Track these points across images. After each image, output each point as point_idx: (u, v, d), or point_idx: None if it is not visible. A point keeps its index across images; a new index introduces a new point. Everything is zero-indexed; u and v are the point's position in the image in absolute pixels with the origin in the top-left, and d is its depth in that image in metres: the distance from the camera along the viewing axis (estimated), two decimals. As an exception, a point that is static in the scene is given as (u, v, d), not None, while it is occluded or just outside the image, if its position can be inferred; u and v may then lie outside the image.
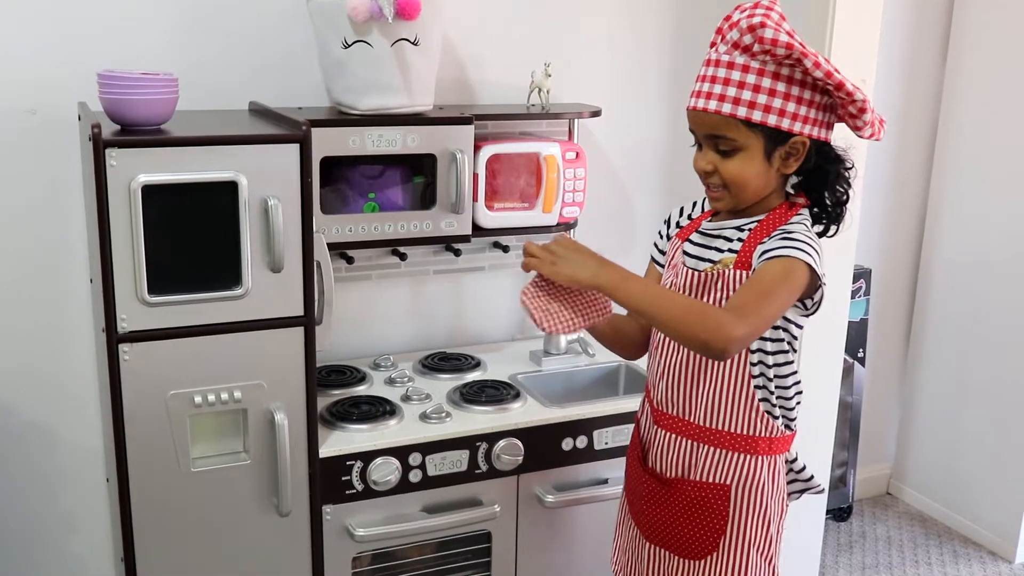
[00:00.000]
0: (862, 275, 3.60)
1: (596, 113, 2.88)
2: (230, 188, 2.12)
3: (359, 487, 2.40)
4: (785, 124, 1.77)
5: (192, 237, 2.14)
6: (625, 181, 3.22)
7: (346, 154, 2.51)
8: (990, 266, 3.60)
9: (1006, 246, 3.54)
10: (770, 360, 1.87)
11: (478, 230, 2.74)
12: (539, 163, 2.77)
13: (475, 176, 2.67)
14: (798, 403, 1.95)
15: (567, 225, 2.89)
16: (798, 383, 1.93)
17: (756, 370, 1.87)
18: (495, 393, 2.65)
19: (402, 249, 2.80)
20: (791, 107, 1.76)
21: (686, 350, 1.89)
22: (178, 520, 2.26)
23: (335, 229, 2.54)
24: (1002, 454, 3.60)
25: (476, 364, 2.87)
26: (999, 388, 3.60)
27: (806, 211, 1.88)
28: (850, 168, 1.89)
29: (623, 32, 3.10)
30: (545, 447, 2.54)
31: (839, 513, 3.78)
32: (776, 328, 1.85)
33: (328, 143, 2.45)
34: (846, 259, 3.18)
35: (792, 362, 1.90)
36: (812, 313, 1.88)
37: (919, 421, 3.93)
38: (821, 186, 1.89)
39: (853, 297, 3.44)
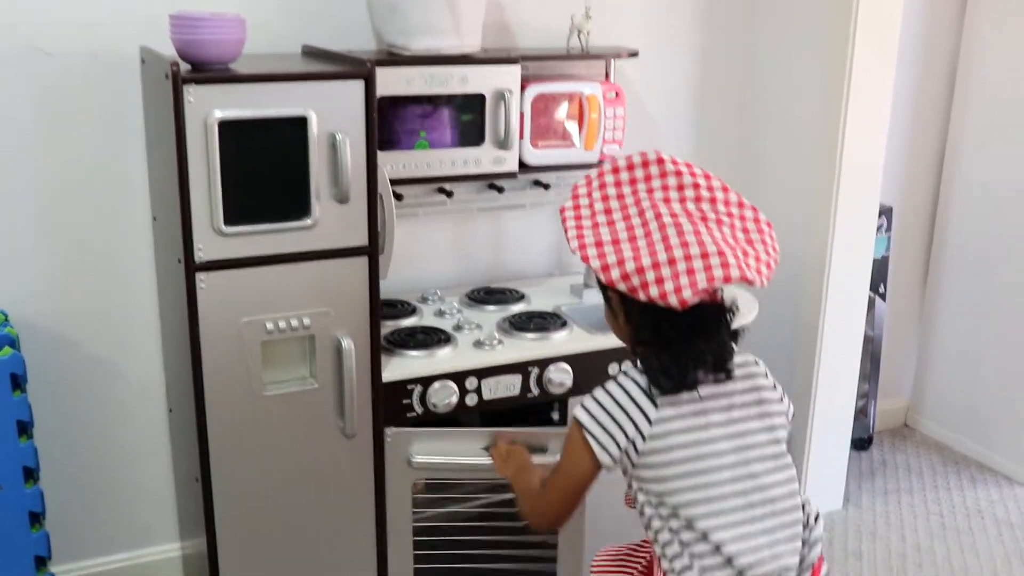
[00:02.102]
0: (883, 212, 3.70)
1: (634, 54, 2.98)
2: (300, 124, 2.22)
3: (419, 410, 2.52)
4: (594, 265, 1.67)
5: (263, 171, 2.24)
6: (658, 122, 3.32)
7: (400, 94, 2.61)
8: (1008, 202, 3.71)
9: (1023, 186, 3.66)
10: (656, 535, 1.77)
11: (523, 167, 2.84)
12: (581, 102, 2.87)
13: (520, 115, 2.77)
14: None
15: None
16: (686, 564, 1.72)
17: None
18: (542, 322, 2.76)
19: (448, 187, 2.91)
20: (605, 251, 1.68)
21: None
22: (250, 442, 2.39)
23: (388, 167, 2.63)
24: (1018, 384, 3.73)
25: (520, 297, 2.98)
26: (1015, 321, 3.73)
27: (634, 370, 1.75)
28: (680, 321, 1.67)
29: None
30: (592, 371, 2.66)
31: (860, 443, 3.91)
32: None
33: (383, 84, 2.54)
34: (871, 197, 3.29)
35: (673, 532, 1.72)
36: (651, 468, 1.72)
37: (937, 354, 4.06)
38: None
39: (875, 234, 3.55)
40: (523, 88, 2.77)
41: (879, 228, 3.66)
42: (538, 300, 2.98)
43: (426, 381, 2.52)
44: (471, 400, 2.57)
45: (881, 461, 3.90)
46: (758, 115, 3.42)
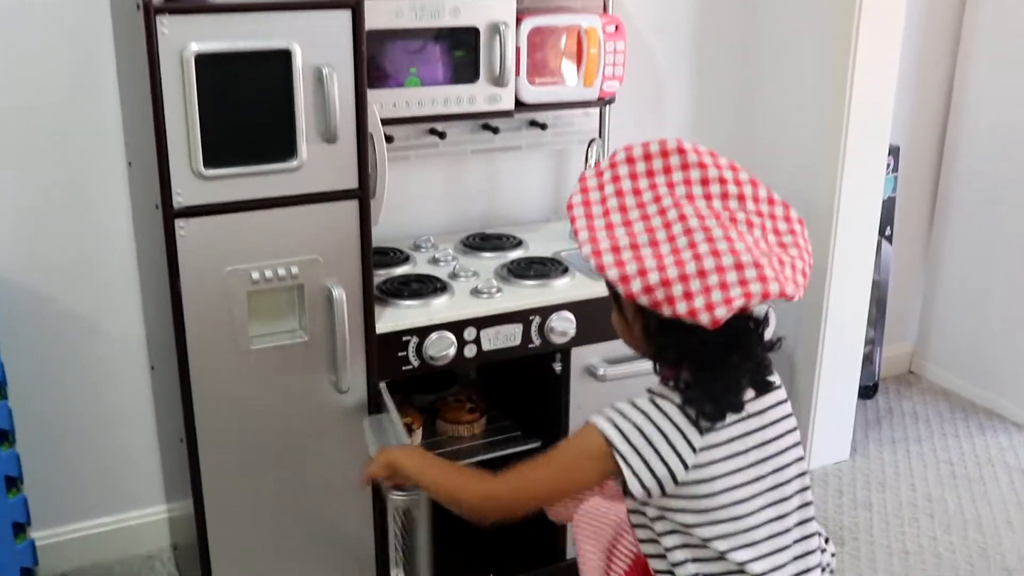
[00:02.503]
0: (891, 152, 3.57)
1: (633, -16, 2.82)
2: (284, 57, 2.06)
3: (415, 363, 2.39)
4: (611, 275, 1.46)
5: (245, 109, 2.08)
6: (656, 57, 3.17)
7: (389, 27, 2.45)
8: (1015, 143, 3.58)
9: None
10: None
11: (519, 106, 2.69)
12: (580, 36, 2.71)
13: (516, 50, 2.61)
14: None
15: (607, 100, 2.85)
16: None
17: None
18: (542, 268, 2.63)
19: (441, 128, 2.75)
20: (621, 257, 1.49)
21: None
22: (236, 399, 2.25)
23: (377, 106, 2.47)
24: (1026, 328, 3.64)
25: (518, 243, 2.84)
26: (1021, 262, 3.61)
27: (674, 392, 1.53)
28: (709, 339, 1.46)
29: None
30: (596, 319, 2.52)
31: (865, 391, 3.81)
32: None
33: (370, 18, 2.36)
34: (880, 138, 3.16)
35: (699, 562, 1.56)
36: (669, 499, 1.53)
37: (943, 299, 3.95)
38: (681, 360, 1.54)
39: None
40: (518, 22, 2.61)
41: (887, 168, 3.53)
42: (536, 246, 2.84)
43: (422, 332, 2.38)
44: (470, 351, 2.44)
45: (887, 409, 3.80)
46: (763, 54, 3.27)
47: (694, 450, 1.49)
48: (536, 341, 2.50)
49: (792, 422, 1.62)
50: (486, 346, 2.45)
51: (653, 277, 1.41)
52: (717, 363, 1.49)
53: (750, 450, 1.54)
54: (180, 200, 2.06)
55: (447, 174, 2.96)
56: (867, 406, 3.78)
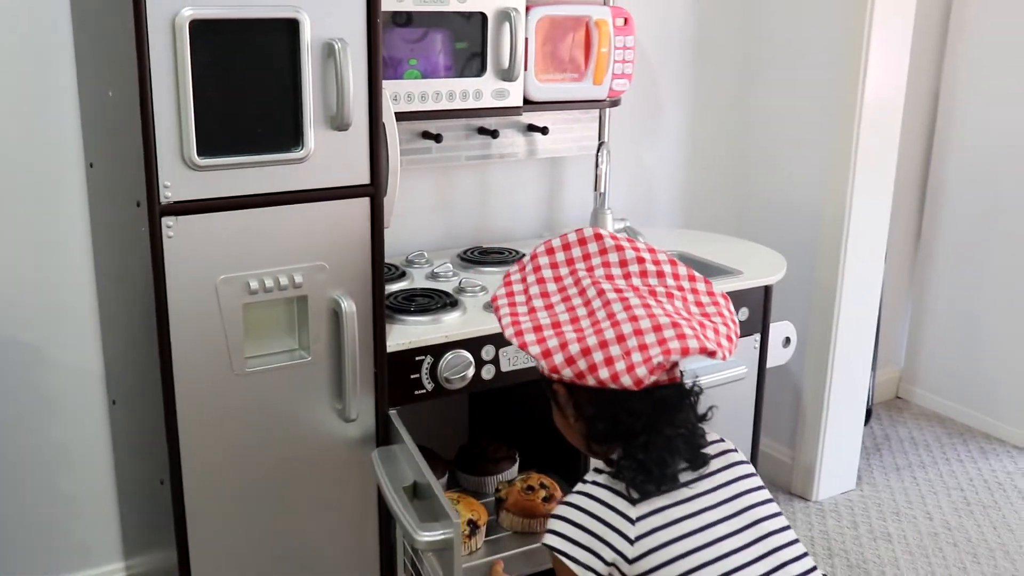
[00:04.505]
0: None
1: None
2: (290, 28, 1.78)
3: (429, 386, 2.11)
4: (533, 351, 1.49)
5: (246, 87, 1.79)
6: (654, 66, 2.97)
7: (391, 9, 2.18)
8: (1002, 162, 3.47)
9: (1018, 142, 3.41)
10: None
11: (527, 103, 2.45)
12: (589, 29, 2.48)
13: (524, 42, 2.37)
14: None
15: (613, 101, 2.63)
16: None
17: None
18: (558, 282, 2.37)
19: (435, 130, 2.49)
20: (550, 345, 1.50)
21: None
22: (228, 431, 1.93)
23: (375, 99, 2.21)
24: (1020, 349, 3.50)
25: (520, 256, 2.58)
26: (1012, 282, 3.49)
27: (602, 475, 1.51)
28: (637, 407, 1.47)
29: None
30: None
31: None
32: None
33: None
34: (889, 154, 2.99)
35: None
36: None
37: (930, 322, 3.80)
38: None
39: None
40: (526, 12, 2.38)
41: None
42: (541, 260, 2.58)
43: (436, 351, 2.10)
44: (488, 372, 2.17)
45: (884, 435, 3.62)
46: (764, 65, 3.10)
47: (632, 522, 1.44)
48: (558, 360, 2.23)
49: (755, 478, 1.56)
50: (505, 367, 2.18)
51: (574, 348, 1.44)
52: (647, 432, 1.47)
53: (705, 510, 1.47)
54: (168, 195, 1.75)
55: (439, 184, 2.69)
56: (863, 433, 3.58)
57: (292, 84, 1.81)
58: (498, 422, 2.70)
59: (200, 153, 1.75)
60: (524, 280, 1.59)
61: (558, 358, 1.44)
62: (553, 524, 1.49)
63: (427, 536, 1.75)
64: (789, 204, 3.07)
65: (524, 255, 2.55)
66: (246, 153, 1.80)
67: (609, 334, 1.42)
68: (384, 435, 2.07)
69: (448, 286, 2.35)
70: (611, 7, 2.56)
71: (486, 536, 2.28)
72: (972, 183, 3.59)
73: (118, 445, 2.39)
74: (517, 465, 2.51)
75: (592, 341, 1.43)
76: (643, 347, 1.40)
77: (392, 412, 2.06)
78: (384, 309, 2.03)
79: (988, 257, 3.56)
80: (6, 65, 2.13)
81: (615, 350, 1.41)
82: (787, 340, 2.76)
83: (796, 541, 1.52)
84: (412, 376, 2.08)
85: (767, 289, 2.58)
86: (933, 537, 2.96)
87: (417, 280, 2.43)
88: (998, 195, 3.50)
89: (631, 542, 1.43)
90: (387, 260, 2.45)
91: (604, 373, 1.42)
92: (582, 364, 1.43)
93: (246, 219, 1.84)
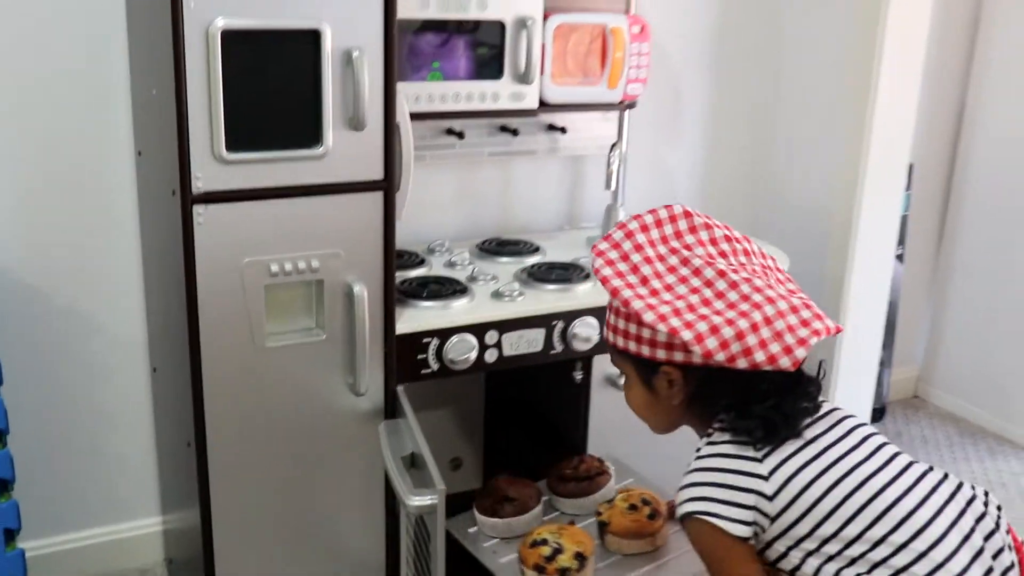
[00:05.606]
0: (904, 170, 3.52)
1: (657, -15, 2.75)
2: (312, 38, 1.97)
3: (434, 366, 2.29)
4: (645, 351, 1.57)
5: (271, 91, 1.99)
6: (676, 68, 3.10)
7: (415, 17, 2.36)
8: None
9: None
10: None
11: (543, 106, 2.61)
12: (605, 35, 2.64)
13: (541, 47, 2.54)
14: None
15: (628, 104, 2.78)
16: None
17: None
18: (564, 273, 2.54)
19: (459, 128, 2.66)
20: (646, 333, 1.56)
21: None
22: (249, 400, 2.13)
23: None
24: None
25: (535, 249, 2.75)
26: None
27: (718, 434, 1.56)
28: (746, 377, 1.50)
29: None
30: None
31: (874, 414, 3.72)
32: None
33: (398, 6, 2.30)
34: (900, 154, 3.10)
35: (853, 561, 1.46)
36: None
37: (950, 322, 3.88)
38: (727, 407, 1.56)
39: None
40: (544, 19, 2.54)
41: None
42: (554, 252, 2.74)
43: (443, 334, 2.28)
44: (491, 356, 2.34)
45: (896, 432, 3.73)
46: (784, 69, 3.22)
47: (759, 460, 1.49)
48: (558, 347, 2.40)
49: (867, 429, 1.57)
50: (507, 351, 2.35)
51: (727, 331, 1.45)
52: (774, 404, 1.51)
53: (831, 448, 1.49)
54: (199, 185, 1.95)
55: (462, 177, 2.86)
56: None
57: (313, 88, 2.00)
58: (513, 406, 2.87)
59: (229, 148, 1.95)
60: (626, 259, 1.57)
61: (711, 342, 1.45)
62: (685, 493, 1.52)
63: (416, 501, 1.94)
64: (801, 204, 3.19)
65: (539, 247, 2.74)
66: (270, 149, 2.00)
67: (756, 316, 1.46)
68: (391, 409, 2.26)
69: (462, 275, 2.53)
70: (629, 15, 2.70)
71: (596, 564, 2.07)
72: (996, 184, 3.65)
73: (158, 410, 2.62)
74: (613, 479, 2.35)
75: (743, 324, 1.45)
76: (791, 328, 1.45)
77: (400, 388, 2.25)
78: (394, 294, 2.21)
79: (1010, 259, 3.63)
80: (72, 62, 2.37)
81: (766, 332, 1.45)
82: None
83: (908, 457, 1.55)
84: (420, 356, 2.26)
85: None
86: (929, 531, 3.07)
87: (435, 267, 2.61)
88: (1022, 197, 3.57)
89: (765, 478, 1.47)
90: (409, 248, 2.68)
91: (760, 356, 1.45)
92: (735, 348, 1.45)
93: (269, 209, 2.03)
